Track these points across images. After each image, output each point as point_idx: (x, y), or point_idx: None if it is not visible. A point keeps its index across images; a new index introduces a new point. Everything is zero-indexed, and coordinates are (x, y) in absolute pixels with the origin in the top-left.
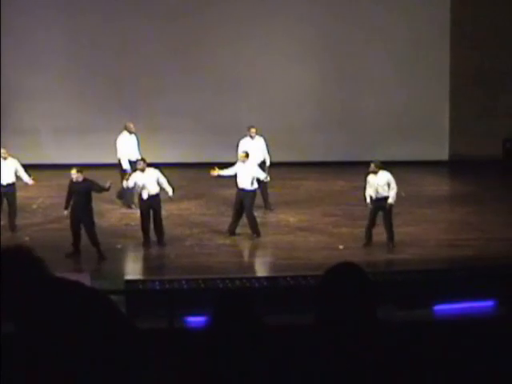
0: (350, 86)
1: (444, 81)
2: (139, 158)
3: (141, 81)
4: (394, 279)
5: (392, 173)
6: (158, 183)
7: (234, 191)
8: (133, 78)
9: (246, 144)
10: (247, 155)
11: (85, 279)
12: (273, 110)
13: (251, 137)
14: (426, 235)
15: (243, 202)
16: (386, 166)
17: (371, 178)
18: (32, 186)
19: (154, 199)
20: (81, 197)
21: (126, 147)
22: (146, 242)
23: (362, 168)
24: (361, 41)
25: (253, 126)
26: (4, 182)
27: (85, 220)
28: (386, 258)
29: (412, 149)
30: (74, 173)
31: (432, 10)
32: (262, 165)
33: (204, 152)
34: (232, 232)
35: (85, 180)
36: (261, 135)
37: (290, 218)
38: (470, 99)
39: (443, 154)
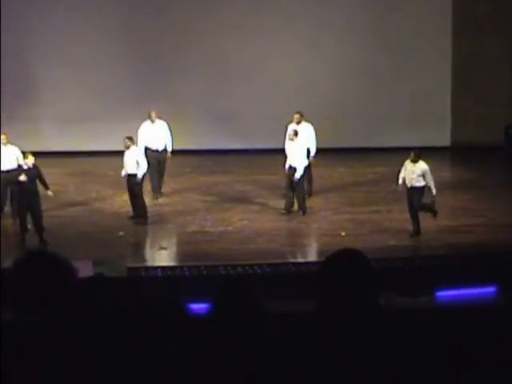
0: (352, 74)
1: (446, 68)
2: (161, 146)
3: (146, 69)
4: (395, 266)
5: (391, 159)
6: (137, 163)
7: (235, 178)
8: (138, 66)
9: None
10: (296, 134)
11: (87, 266)
12: (278, 97)
13: (297, 123)
14: (427, 221)
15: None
16: (387, 152)
17: (409, 165)
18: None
19: (129, 178)
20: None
21: (144, 135)
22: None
23: (364, 154)
24: (360, 27)
25: (297, 112)
26: (4, 168)
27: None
28: (388, 244)
29: (414, 135)
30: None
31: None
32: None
33: (207, 139)
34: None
35: (35, 166)
36: (310, 122)
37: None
38: (472, 86)
39: (445, 140)
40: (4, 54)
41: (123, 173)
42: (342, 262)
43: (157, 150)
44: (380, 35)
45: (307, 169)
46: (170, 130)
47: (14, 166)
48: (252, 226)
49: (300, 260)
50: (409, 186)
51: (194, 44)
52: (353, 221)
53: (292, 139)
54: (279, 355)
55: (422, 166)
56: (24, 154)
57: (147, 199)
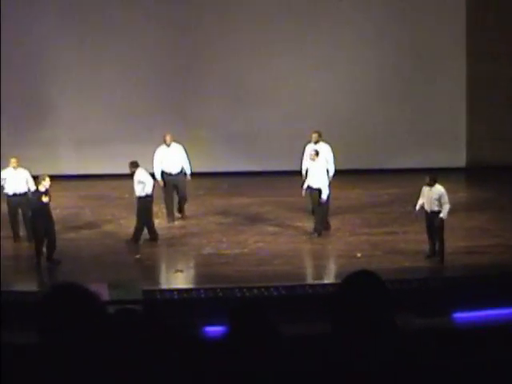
0: (367, 95)
1: (461, 88)
2: (176, 170)
3: (161, 92)
4: (411, 287)
5: (407, 180)
6: (142, 184)
7: (250, 200)
8: (153, 89)
9: (309, 150)
10: (317, 153)
11: (103, 289)
12: (292, 118)
13: (315, 143)
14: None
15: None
16: (402, 173)
17: (426, 190)
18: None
19: (138, 200)
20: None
21: (159, 159)
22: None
23: (379, 176)
24: (375, 47)
25: (316, 131)
26: (16, 192)
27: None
28: (404, 266)
29: (429, 156)
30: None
31: (448, 20)
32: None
33: (221, 161)
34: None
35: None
36: (327, 142)
37: (308, 226)
38: (487, 105)
39: (460, 160)
40: (20, 76)
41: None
42: (358, 284)
43: (172, 174)
44: (394, 56)
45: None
46: (187, 153)
47: (24, 189)
48: (268, 247)
49: (316, 282)
50: (429, 210)
51: (208, 66)
52: (368, 242)
53: (313, 159)
54: (295, 377)
55: (439, 189)
56: (39, 176)
57: (163, 222)
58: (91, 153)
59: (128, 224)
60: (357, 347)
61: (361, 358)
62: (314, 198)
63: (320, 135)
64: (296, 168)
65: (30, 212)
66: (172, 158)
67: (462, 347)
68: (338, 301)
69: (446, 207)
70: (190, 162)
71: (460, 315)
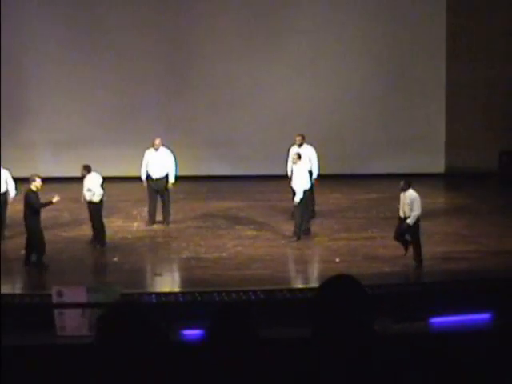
0: (347, 100)
1: (440, 93)
2: (159, 175)
3: (142, 95)
4: (389, 292)
5: (386, 185)
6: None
7: (230, 204)
8: (135, 92)
9: (294, 151)
10: (299, 157)
11: (81, 293)
12: (273, 123)
13: (299, 145)
14: (422, 248)
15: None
16: (381, 178)
17: (401, 195)
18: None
19: (88, 204)
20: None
21: (145, 162)
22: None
23: (358, 181)
24: (355, 53)
25: (299, 134)
26: None
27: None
28: (382, 271)
29: (408, 161)
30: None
31: (428, 24)
32: (310, 173)
33: (201, 165)
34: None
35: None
36: (310, 144)
37: (286, 230)
38: (466, 112)
39: (439, 166)
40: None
41: (82, 200)
42: (336, 288)
43: (153, 178)
44: (375, 61)
45: (308, 192)
46: (175, 159)
47: (3, 189)
48: (246, 252)
49: (295, 286)
50: (402, 215)
51: (189, 70)
52: (347, 247)
53: (295, 162)
54: (273, 382)
55: (411, 194)
56: (30, 177)
57: (142, 225)
58: (69, 155)
59: (106, 227)
60: (336, 351)
61: (340, 362)
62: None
63: (303, 138)
64: (275, 172)
65: (32, 212)
66: (156, 163)
67: (437, 352)
68: (317, 305)
69: (414, 214)
70: (176, 168)
71: (437, 320)
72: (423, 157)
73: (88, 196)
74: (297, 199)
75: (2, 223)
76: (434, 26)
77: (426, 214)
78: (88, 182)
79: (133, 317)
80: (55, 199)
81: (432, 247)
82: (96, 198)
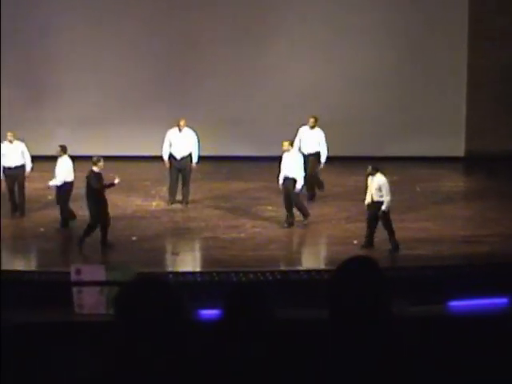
0: (366, 81)
1: (462, 77)
2: (182, 155)
3: (162, 74)
4: (408, 275)
5: (405, 168)
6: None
7: (249, 185)
8: (154, 71)
9: (303, 133)
10: (292, 144)
11: (99, 271)
12: (293, 104)
13: (311, 127)
14: (441, 231)
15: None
16: (401, 161)
17: (368, 180)
18: (47, 176)
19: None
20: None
21: (168, 141)
22: None
23: (377, 163)
24: (375, 35)
25: (313, 116)
26: (13, 165)
27: None
28: (400, 253)
29: (428, 145)
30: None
31: (450, 6)
32: (318, 156)
33: (220, 146)
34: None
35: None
36: (324, 126)
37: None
38: (487, 95)
39: (459, 150)
40: (21, 56)
41: (51, 183)
42: (354, 270)
43: (177, 158)
44: (395, 44)
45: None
46: (199, 141)
47: (21, 162)
48: (264, 232)
49: (312, 267)
50: (370, 200)
51: (208, 51)
52: (365, 229)
53: (288, 150)
54: (290, 362)
55: (379, 178)
56: (93, 157)
57: (161, 204)
58: (89, 134)
59: (124, 205)
60: (353, 333)
61: (358, 344)
62: (288, 187)
63: (316, 120)
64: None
65: (92, 193)
66: (180, 143)
67: (456, 335)
68: (334, 287)
69: (387, 199)
70: (199, 149)
71: (455, 303)
72: (443, 140)
73: (61, 178)
74: (298, 186)
75: (22, 196)
76: (456, 9)
77: (446, 198)
78: (59, 164)
79: (157, 291)
80: (116, 180)
81: (452, 231)
82: (55, 182)
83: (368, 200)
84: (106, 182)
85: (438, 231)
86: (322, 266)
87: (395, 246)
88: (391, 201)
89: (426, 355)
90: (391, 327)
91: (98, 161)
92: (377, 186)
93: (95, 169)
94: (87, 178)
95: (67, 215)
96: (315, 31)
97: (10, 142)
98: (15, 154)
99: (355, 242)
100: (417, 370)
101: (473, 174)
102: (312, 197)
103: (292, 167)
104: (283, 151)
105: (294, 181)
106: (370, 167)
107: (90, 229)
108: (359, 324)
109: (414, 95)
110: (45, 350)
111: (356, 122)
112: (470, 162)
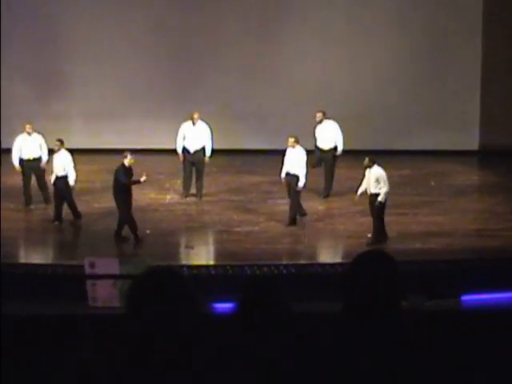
0: (380, 75)
1: (476, 70)
2: (195, 148)
3: (175, 68)
4: (421, 269)
5: (419, 162)
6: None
7: (262, 178)
8: (168, 65)
9: (316, 129)
10: (297, 141)
11: (113, 264)
12: (306, 98)
13: (319, 122)
14: (454, 225)
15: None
16: (415, 155)
17: (366, 172)
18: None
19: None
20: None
21: (182, 134)
22: None
23: (391, 157)
24: (390, 29)
25: (320, 111)
26: (31, 157)
27: None
28: (414, 247)
29: (442, 138)
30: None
31: (464, 2)
32: (334, 150)
33: (234, 139)
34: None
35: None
36: (335, 121)
37: (319, 205)
38: (502, 88)
39: (473, 143)
40: (35, 49)
41: (71, 183)
42: (369, 264)
43: (191, 151)
44: (409, 37)
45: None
46: (212, 134)
47: (38, 154)
48: (278, 226)
49: (326, 261)
50: (368, 193)
51: (222, 45)
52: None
53: (293, 146)
54: (304, 355)
55: (376, 171)
56: (124, 152)
57: (175, 197)
58: (103, 127)
59: (138, 198)
60: (366, 326)
61: (370, 338)
62: (290, 183)
63: (324, 114)
64: (310, 147)
65: (120, 187)
66: (194, 136)
67: (468, 329)
68: (349, 280)
69: (383, 190)
70: (212, 143)
71: (468, 298)
72: (457, 134)
73: (60, 172)
74: (301, 184)
75: (45, 186)
76: (470, 2)
77: (459, 191)
78: (62, 158)
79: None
80: (143, 178)
81: (465, 224)
82: (72, 178)
83: (361, 191)
84: (134, 178)
85: (451, 225)
86: (336, 259)
87: (374, 240)
88: (388, 193)
89: (437, 349)
90: (402, 321)
91: (125, 157)
92: (374, 178)
93: (125, 162)
94: (116, 171)
95: (75, 206)
96: (329, 27)
97: (29, 134)
98: (33, 146)
99: (369, 235)
100: (428, 364)
101: (487, 168)
102: (327, 195)
103: (294, 164)
104: (288, 146)
105: (297, 178)
106: (366, 159)
107: (121, 222)
108: (372, 317)
109: (427, 89)
110: (57, 343)
111: (369, 115)
112: (483, 156)
